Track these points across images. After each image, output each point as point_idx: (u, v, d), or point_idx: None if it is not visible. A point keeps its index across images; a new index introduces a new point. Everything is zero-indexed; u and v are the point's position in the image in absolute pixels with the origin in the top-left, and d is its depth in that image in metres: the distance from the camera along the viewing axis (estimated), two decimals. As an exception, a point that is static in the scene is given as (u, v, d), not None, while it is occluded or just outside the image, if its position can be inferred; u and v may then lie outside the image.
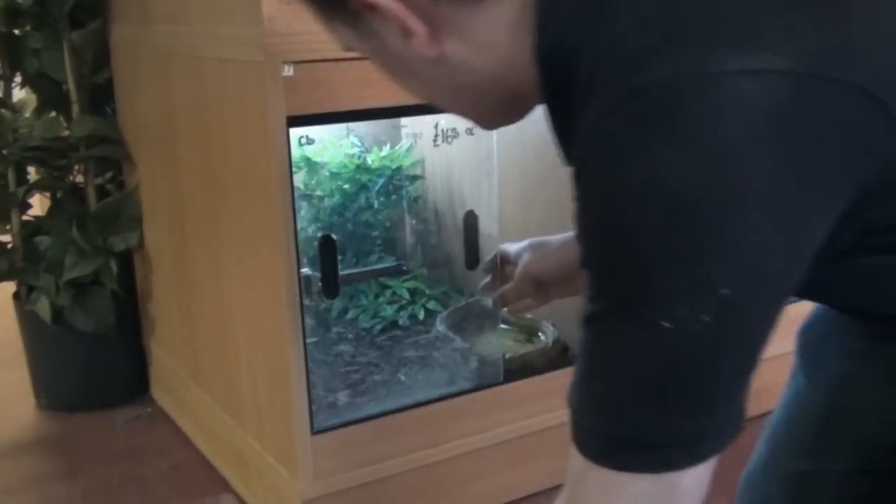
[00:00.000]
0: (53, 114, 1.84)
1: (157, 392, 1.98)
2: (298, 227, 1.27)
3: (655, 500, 0.65)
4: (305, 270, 1.32)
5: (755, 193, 0.58)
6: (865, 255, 0.68)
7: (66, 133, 1.82)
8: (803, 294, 0.74)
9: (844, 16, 0.61)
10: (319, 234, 1.34)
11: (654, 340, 0.61)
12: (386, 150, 1.53)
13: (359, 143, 1.50)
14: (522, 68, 0.70)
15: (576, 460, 0.68)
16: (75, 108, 1.81)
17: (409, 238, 1.48)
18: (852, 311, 0.83)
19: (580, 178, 0.65)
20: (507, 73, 0.72)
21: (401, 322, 1.45)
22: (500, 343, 1.56)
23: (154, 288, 1.88)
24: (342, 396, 1.46)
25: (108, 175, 1.93)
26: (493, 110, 0.80)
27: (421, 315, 1.54)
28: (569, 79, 0.65)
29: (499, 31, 0.70)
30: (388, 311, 1.51)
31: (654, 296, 0.60)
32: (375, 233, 1.40)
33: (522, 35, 0.69)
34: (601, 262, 0.64)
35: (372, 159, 1.52)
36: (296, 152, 1.27)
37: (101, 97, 1.87)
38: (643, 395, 0.63)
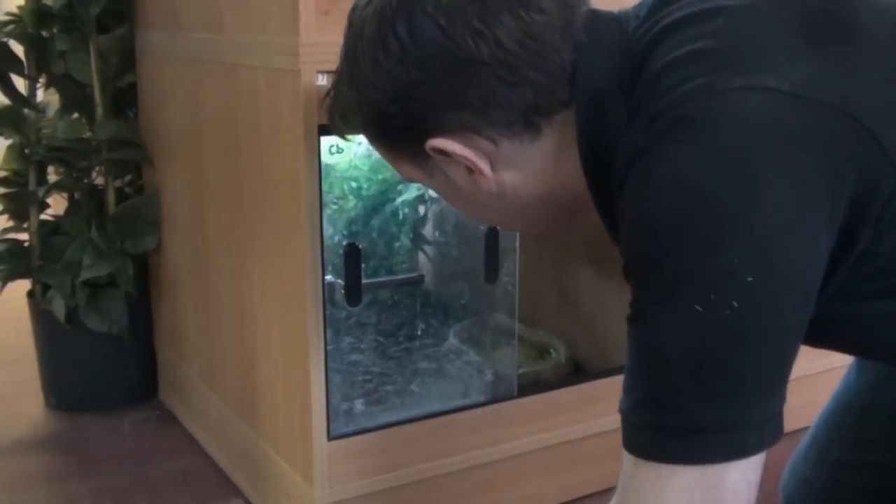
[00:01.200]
0: (76, 115, 1.86)
1: (166, 395, 1.99)
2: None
3: (704, 494, 0.69)
4: (328, 278, 1.34)
5: (763, 188, 0.66)
6: (870, 301, 0.75)
7: (89, 135, 1.84)
8: (832, 343, 0.83)
9: (840, 53, 0.70)
10: (345, 243, 1.36)
11: (689, 325, 0.67)
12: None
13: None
14: (572, 179, 0.82)
15: (626, 463, 0.73)
16: (99, 111, 1.83)
17: (431, 250, 1.50)
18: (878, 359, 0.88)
19: (621, 209, 0.74)
20: (557, 190, 0.85)
21: (417, 331, 1.48)
22: (512, 359, 1.58)
23: (169, 292, 1.90)
24: (358, 405, 1.47)
25: (127, 178, 1.95)
26: (546, 223, 0.92)
27: (435, 326, 1.56)
28: (609, 171, 0.76)
29: (548, 157, 0.82)
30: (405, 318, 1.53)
31: (687, 282, 0.67)
32: (398, 243, 1.42)
33: (569, 151, 0.81)
34: (638, 261, 0.71)
35: (390, 174, 1.55)
36: (325, 160, 1.29)
37: (123, 101, 1.90)
38: (683, 380, 0.69)
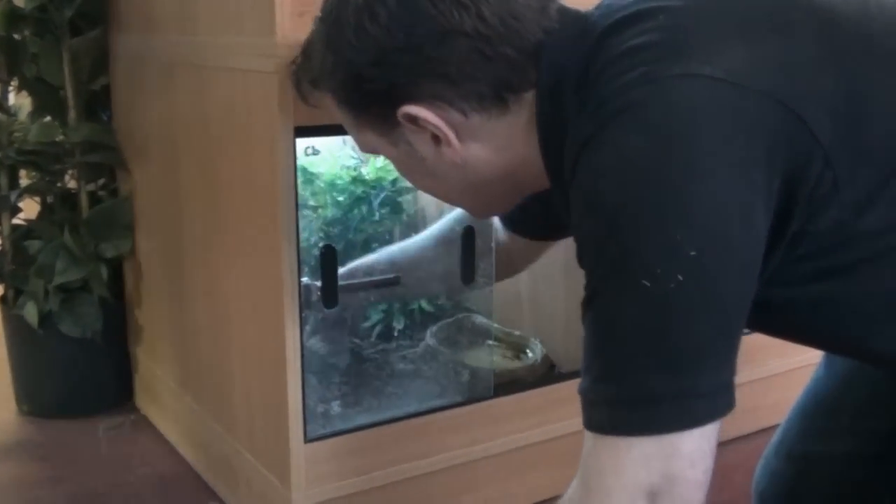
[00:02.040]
0: (49, 118, 1.86)
1: (141, 400, 1.99)
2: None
3: (660, 464, 0.73)
4: (304, 279, 1.35)
5: (699, 167, 0.71)
6: (809, 284, 0.79)
7: (61, 138, 1.84)
8: (780, 329, 0.88)
9: (771, 46, 0.76)
10: (321, 245, 1.36)
11: (638, 299, 0.72)
12: (381, 162, 1.56)
13: (354, 155, 1.53)
14: (533, 159, 0.87)
15: (587, 441, 0.77)
16: (71, 114, 1.83)
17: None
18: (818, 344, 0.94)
19: (572, 196, 0.78)
20: (518, 168, 0.90)
21: (394, 331, 1.49)
22: (488, 359, 1.60)
23: (143, 295, 1.89)
24: (334, 406, 1.48)
25: (101, 182, 1.95)
26: (499, 202, 0.98)
27: (411, 327, 1.57)
28: (562, 157, 0.82)
29: (513, 134, 0.87)
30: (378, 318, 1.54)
31: (633, 259, 0.72)
32: (375, 244, 1.43)
33: (532, 132, 0.86)
34: (588, 243, 0.76)
35: (368, 171, 1.56)
36: (301, 162, 1.30)
37: (97, 103, 1.90)
38: (634, 353, 0.73)
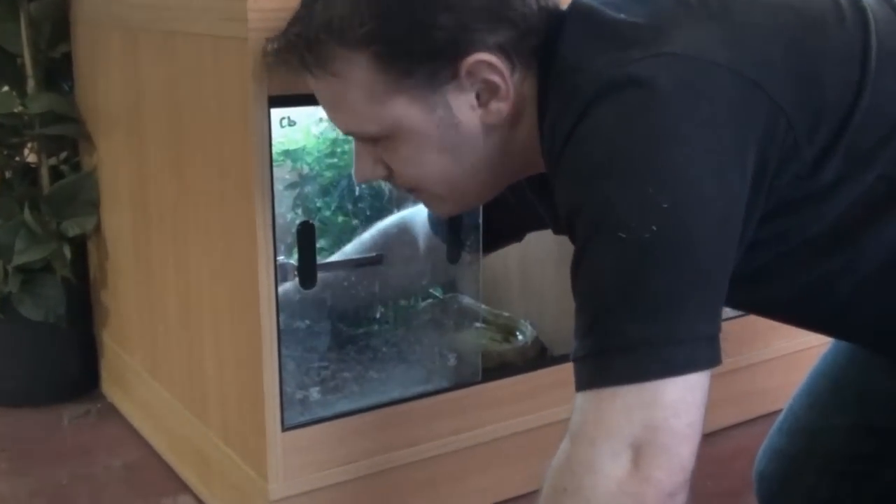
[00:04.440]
0: (6, 88, 1.83)
1: (108, 387, 1.97)
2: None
3: (642, 413, 0.77)
4: (280, 258, 1.34)
5: (668, 127, 0.79)
6: (806, 265, 0.88)
7: (20, 109, 1.81)
8: (771, 305, 0.97)
9: (721, 26, 0.85)
10: (298, 221, 1.35)
11: (615, 251, 0.79)
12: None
13: (332, 129, 1.52)
14: (533, 134, 0.95)
15: (576, 400, 0.82)
16: (31, 84, 1.80)
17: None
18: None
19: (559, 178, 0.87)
20: (525, 143, 0.96)
21: (376, 314, 1.48)
22: (476, 342, 1.59)
23: (109, 276, 1.88)
24: (313, 392, 1.47)
25: (63, 155, 1.92)
26: (501, 182, 1.03)
27: (395, 308, 1.56)
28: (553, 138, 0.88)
29: (523, 100, 0.94)
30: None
31: (610, 214, 0.79)
32: (356, 221, 1.42)
33: (534, 107, 0.94)
34: (572, 213, 0.83)
35: (348, 146, 1.54)
36: (276, 134, 1.29)
37: (57, 72, 1.87)
38: (613, 302, 0.80)
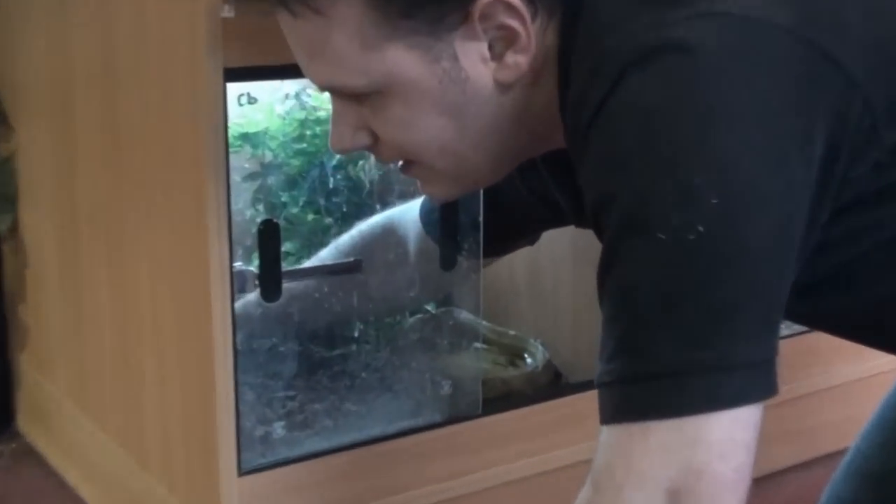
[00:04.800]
0: None
1: (26, 424, 1.97)
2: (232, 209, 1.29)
3: (681, 455, 0.76)
4: (238, 265, 1.34)
5: (718, 105, 0.78)
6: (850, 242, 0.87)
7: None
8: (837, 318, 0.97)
9: None
10: (259, 220, 1.36)
11: (653, 256, 0.78)
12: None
13: (306, 104, 1.52)
14: (551, 100, 0.94)
15: (602, 434, 0.81)
16: (-67, 53, 1.81)
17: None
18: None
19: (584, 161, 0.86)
20: (539, 109, 0.95)
21: (354, 332, 1.49)
22: (476, 366, 1.59)
23: (29, 286, 1.88)
24: (277, 429, 1.47)
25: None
26: (497, 162, 1.02)
27: (377, 325, 1.56)
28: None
29: (541, 56, 0.93)
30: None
31: (646, 209, 0.78)
32: (329, 219, 1.43)
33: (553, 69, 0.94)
34: (600, 204, 0.82)
35: (320, 129, 1.54)
36: (233, 114, 1.29)
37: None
38: (649, 318, 0.78)
